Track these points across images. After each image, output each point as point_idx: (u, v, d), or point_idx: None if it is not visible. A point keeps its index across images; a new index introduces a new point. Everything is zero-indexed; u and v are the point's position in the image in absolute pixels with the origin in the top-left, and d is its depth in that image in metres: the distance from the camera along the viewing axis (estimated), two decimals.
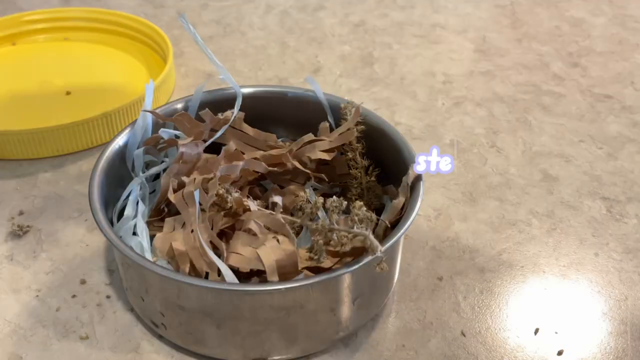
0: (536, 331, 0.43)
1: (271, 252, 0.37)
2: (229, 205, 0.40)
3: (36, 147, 0.57)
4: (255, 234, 0.38)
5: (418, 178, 0.41)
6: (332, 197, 0.37)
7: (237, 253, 0.38)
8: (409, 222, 0.38)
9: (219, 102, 0.49)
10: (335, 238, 0.36)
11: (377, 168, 0.46)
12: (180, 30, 0.79)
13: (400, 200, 0.41)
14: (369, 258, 0.36)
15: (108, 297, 0.45)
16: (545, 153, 0.59)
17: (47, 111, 0.63)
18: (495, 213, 0.52)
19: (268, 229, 0.39)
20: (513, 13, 0.85)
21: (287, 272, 0.37)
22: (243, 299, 0.36)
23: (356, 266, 0.36)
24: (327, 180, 0.47)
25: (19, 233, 0.50)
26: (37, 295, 0.45)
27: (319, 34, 0.78)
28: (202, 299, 0.36)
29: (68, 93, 0.65)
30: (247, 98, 0.49)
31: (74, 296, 0.45)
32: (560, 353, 0.41)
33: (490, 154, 0.59)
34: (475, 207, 0.53)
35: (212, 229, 0.40)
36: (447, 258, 0.48)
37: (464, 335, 0.43)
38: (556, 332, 0.43)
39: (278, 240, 0.38)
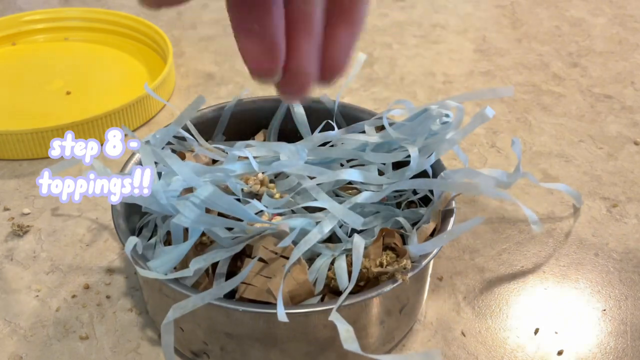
0: (536, 331, 0.43)
1: (282, 283, 0.36)
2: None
3: (36, 147, 0.57)
4: (265, 262, 0.37)
5: (449, 204, 0.40)
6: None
7: (250, 284, 0.37)
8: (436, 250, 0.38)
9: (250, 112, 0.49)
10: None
11: None
12: (180, 30, 0.79)
13: (430, 226, 0.40)
14: (424, 263, 0.36)
15: (108, 297, 0.45)
16: (545, 153, 0.59)
17: (47, 111, 0.63)
18: (495, 213, 0.52)
19: (276, 253, 0.38)
20: (513, 13, 0.85)
21: (302, 300, 0.36)
22: (298, 320, 0.35)
23: (411, 274, 0.35)
24: None
25: (19, 233, 0.50)
26: (37, 295, 0.45)
27: None
28: (254, 325, 0.35)
29: (68, 93, 0.65)
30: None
31: (74, 296, 0.45)
32: (560, 353, 0.41)
33: (490, 154, 0.59)
34: (475, 207, 0.53)
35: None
36: (447, 258, 0.48)
37: (464, 335, 0.43)
38: (556, 332, 0.43)
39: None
